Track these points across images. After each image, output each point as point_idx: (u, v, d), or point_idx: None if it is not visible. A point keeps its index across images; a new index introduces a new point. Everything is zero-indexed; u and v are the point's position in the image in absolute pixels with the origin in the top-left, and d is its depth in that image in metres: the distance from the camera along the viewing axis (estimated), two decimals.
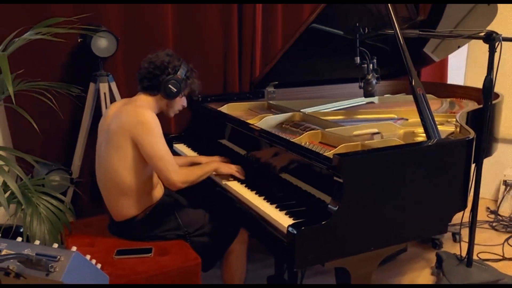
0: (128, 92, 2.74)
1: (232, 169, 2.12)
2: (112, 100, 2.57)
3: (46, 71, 2.53)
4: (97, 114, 2.59)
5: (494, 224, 3.48)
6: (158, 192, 2.12)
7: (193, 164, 2.33)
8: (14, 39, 2.08)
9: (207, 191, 2.24)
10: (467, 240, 2.45)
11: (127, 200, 2.02)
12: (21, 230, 2.24)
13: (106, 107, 2.54)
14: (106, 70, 2.57)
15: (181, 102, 2.13)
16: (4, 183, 1.95)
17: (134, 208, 2.04)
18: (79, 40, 2.51)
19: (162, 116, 2.09)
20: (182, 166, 2.25)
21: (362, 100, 2.91)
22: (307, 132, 2.16)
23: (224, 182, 2.12)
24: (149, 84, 2.01)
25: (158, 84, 2.00)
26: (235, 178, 2.13)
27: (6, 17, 2.40)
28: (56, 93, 2.29)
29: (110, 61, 2.63)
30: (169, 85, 1.99)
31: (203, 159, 2.34)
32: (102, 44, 2.44)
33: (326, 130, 2.16)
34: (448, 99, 2.95)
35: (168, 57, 2.01)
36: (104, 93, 2.53)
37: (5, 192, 1.95)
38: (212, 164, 2.15)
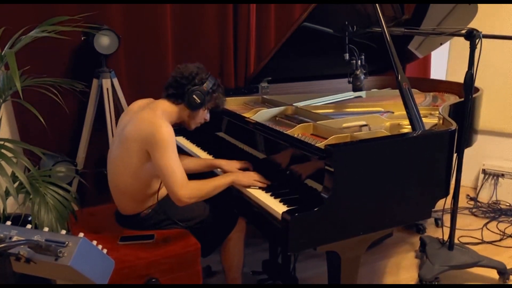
0: (129, 87, 2.73)
1: (251, 178, 1.92)
2: (115, 95, 2.56)
3: (51, 67, 2.50)
4: (100, 109, 2.58)
5: (473, 210, 3.51)
6: (163, 191, 2.06)
7: (210, 166, 2.19)
8: (20, 37, 2.06)
9: None
10: (448, 225, 2.47)
11: (132, 200, 2.00)
12: (30, 218, 2.23)
13: (109, 102, 2.52)
14: (108, 67, 2.56)
15: (203, 115, 2.02)
16: (13, 174, 1.94)
17: (138, 207, 2.02)
18: (82, 38, 2.50)
19: None
20: (196, 167, 2.16)
21: (351, 95, 2.91)
22: (300, 125, 2.15)
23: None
24: (174, 92, 1.93)
25: (182, 93, 1.92)
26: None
27: (13, 16, 2.37)
28: (61, 89, 2.27)
29: (112, 58, 2.61)
30: (194, 95, 1.91)
31: (223, 162, 2.12)
32: (105, 41, 2.42)
33: (317, 122, 2.16)
34: (431, 93, 2.97)
35: (196, 69, 1.94)
36: (107, 89, 2.52)
37: (14, 183, 1.95)
38: (229, 177, 1.93)
